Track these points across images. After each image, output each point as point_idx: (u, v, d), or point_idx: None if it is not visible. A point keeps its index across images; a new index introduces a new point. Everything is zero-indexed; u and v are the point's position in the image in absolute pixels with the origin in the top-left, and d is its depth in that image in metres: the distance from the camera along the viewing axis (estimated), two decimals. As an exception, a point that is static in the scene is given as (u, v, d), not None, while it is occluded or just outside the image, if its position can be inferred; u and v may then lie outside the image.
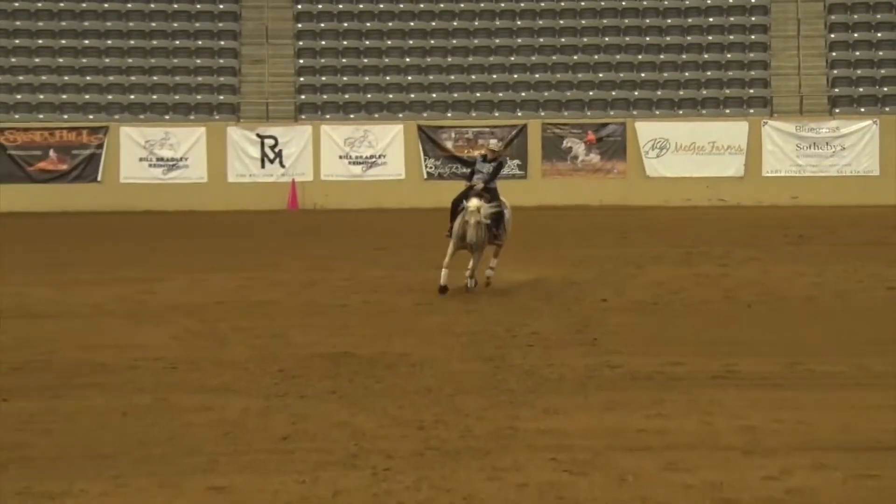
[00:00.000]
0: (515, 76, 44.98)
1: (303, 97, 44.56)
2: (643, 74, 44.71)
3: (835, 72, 43.49)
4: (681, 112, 43.23)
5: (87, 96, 44.10)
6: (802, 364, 17.95)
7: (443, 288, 23.34)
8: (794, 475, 12.79)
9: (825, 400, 15.95)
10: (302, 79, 45.21)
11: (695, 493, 12.23)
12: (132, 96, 44.33)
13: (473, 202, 22.57)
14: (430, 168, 42.61)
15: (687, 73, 44.43)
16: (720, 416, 15.13)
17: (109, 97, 44.26)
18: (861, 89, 42.83)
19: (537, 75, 44.89)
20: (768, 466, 13.05)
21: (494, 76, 45.04)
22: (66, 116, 43.64)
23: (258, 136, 42.97)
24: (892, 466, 12.97)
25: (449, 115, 43.77)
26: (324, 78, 45.21)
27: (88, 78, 44.71)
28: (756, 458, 13.37)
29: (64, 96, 44.38)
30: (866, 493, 12.14)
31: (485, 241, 23.40)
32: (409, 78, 45.10)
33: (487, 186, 23.38)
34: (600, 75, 44.78)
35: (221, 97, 44.55)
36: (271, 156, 42.80)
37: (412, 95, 44.63)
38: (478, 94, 44.65)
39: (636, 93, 44.22)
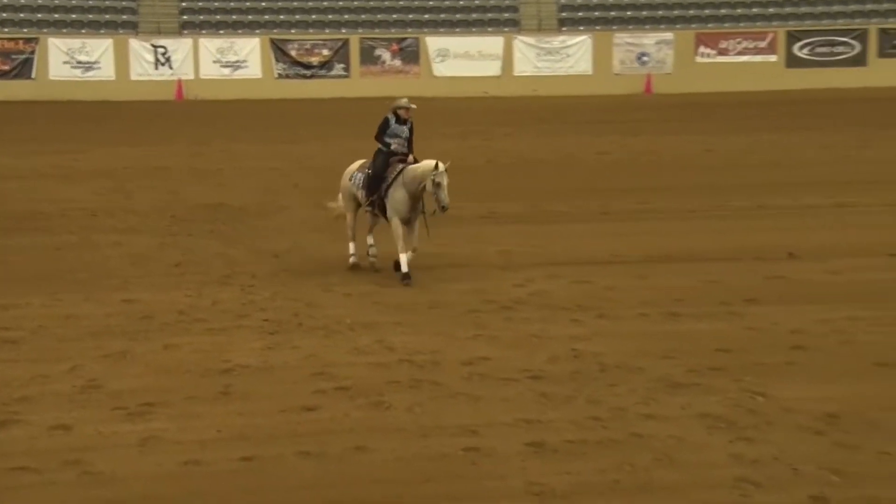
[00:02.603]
0: (340, 3, 44.20)
1: (185, 17, 43.24)
2: (430, 2, 44.33)
3: (562, 1, 43.63)
4: (457, 29, 43.00)
5: (21, 14, 42.35)
6: (540, 206, 18.27)
7: (354, 265, 13.90)
8: (535, 282, 13.08)
9: (556, 231, 16.28)
10: (184, 3, 43.77)
11: (467, 295, 12.45)
12: (56, 15, 42.61)
13: (441, 164, 12.90)
14: (280, 70, 41.99)
15: (461, 2, 44.17)
16: (485, 244, 15.35)
17: (39, 15, 42.50)
18: (580, 13, 43.08)
19: (356, 3, 44.21)
20: (517, 277, 13.33)
21: (325, 3, 44.20)
22: (6, 30, 41.82)
23: (152, 45, 41.82)
24: (601, 275, 13.34)
25: (293, 31, 42.87)
26: (200, 3, 43.88)
27: (23, 1, 42.84)
28: (509, 272, 13.64)
29: (4, 14, 42.41)
30: (581, 293, 12.50)
31: None
32: (264, 4, 44.01)
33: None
34: (400, 2, 44.26)
35: (125, 16, 43.01)
36: (162, 60, 41.67)
37: (266, 16, 43.62)
38: (313, 16, 43.76)
39: (426, 16, 43.83)
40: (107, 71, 41.54)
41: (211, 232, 16.52)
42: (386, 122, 13.50)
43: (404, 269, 12.96)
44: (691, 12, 42.55)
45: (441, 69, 42.25)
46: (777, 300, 12.04)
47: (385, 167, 13.39)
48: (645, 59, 41.35)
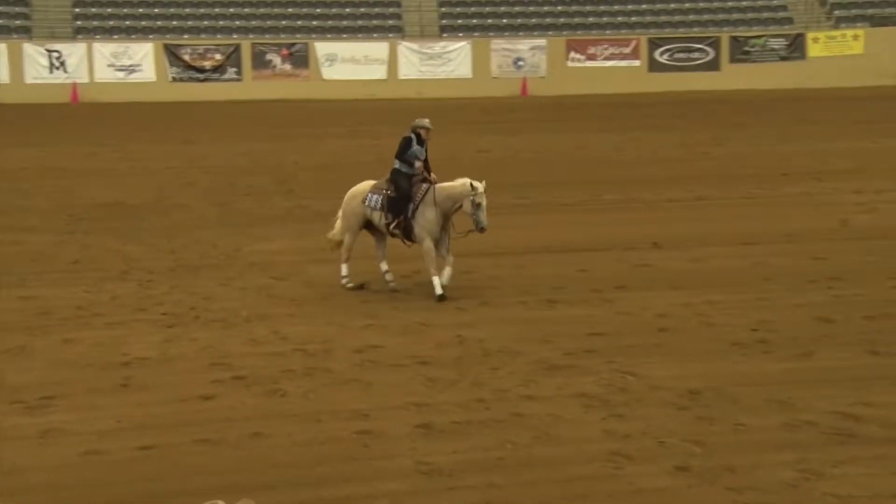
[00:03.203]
0: (231, 10, 43.48)
1: (79, 23, 41.94)
2: (318, 10, 43.92)
3: (443, 9, 43.69)
4: (344, 35, 42.69)
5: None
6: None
7: (354, 287, 12.39)
8: (423, 274, 13.02)
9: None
10: (77, 9, 42.45)
11: (335, 286, 12.36)
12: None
13: (479, 184, 11.69)
14: (174, 74, 41.06)
15: (348, 10, 43.83)
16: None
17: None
18: (460, 21, 43.20)
19: (247, 10, 43.52)
20: (406, 269, 13.25)
21: (217, 10, 43.41)
22: None
23: (46, 50, 40.50)
24: (483, 265, 13.37)
25: (185, 36, 41.98)
26: (94, 9, 42.61)
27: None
28: (399, 265, 13.57)
29: None
30: (465, 282, 12.54)
31: None
32: (157, 10, 42.99)
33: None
34: (289, 10, 43.74)
35: (18, 21, 41.53)
36: (57, 64, 40.42)
37: (159, 22, 42.59)
38: (205, 22, 42.95)
39: (314, 22, 43.39)
40: (1, 74, 40.15)
41: (108, 230, 16.10)
42: (408, 143, 12.09)
43: (438, 291, 11.71)
44: (562, 20, 43.11)
45: (329, 73, 41.93)
46: (644, 287, 12.27)
47: (410, 187, 12.01)
48: (520, 63, 41.73)
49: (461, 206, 11.82)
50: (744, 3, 42.92)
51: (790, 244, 14.26)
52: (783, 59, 40.12)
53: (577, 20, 43.02)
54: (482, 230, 11.86)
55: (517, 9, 43.52)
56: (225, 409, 8.46)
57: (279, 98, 39.64)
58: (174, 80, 41.22)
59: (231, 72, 41.55)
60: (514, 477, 7.21)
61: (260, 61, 41.85)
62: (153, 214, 17.42)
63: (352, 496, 7.01)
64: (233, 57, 41.71)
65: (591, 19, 43.03)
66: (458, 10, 43.82)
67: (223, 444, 7.78)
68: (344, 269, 12.41)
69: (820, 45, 39.95)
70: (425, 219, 11.89)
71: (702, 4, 43.17)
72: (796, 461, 7.32)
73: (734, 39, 40.88)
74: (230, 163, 23.49)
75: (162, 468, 7.41)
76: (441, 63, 42.10)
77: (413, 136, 12.15)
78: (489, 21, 43.29)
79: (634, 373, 9.23)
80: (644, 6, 43.23)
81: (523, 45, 41.93)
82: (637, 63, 41.39)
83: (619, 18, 42.90)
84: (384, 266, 12.32)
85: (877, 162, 20.90)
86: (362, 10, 44.08)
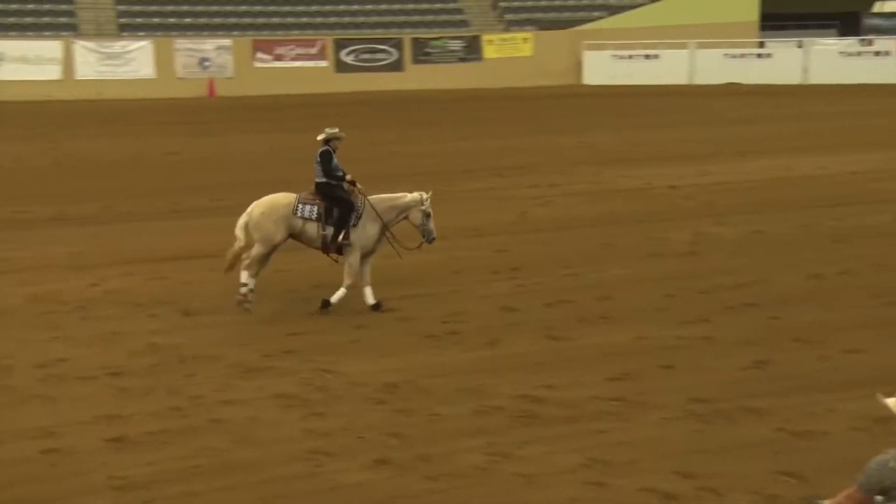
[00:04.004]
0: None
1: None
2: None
3: (120, 7, 41.96)
4: (12, 33, 40.05)
5: None
6: (111, 206, 17.55)
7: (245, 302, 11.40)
8: (109, 281, 12.56)
9: (128, 230, 15.68)
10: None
11: (38, 299, 11.66)
12: None
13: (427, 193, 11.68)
14: None
15: (14, 6, 41.11)
16: (56, 246, 14.50)
17: None
18: (140, 20, 41.69)
19: None
20: (91, 277, 12.74)
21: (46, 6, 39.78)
22: None
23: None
24: (178, 270, 13.04)
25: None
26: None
27: None
28: (82, 273, 12.99)
29: None
30: (158, 289, 12.17)
31: None
32: None
33: None
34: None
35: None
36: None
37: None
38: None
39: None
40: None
41: None
42: (330, 155, 11.49)
43: (372, 300, 11.30)
44: (247, 20, 42.66)
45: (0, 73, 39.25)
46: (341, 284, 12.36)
47: (350, 198, 11.44)
48: (207, 63, 40.90)
49: (406, 217, 11.48)
50: (423, 6, 44.30)
51: (476, 238, 14.87)
52: (462, 60, 41.78)
53: (261, 20, 42.73)
54: (432, 241, 11.57)
55: (200, 8, 42.62)
56: None
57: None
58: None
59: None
60: (212, 483, 7.07)
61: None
62: None
63: (41, 520, 6.60)
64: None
65: (276, 20, 42.88)
66: (138, 8, 42.30)
67: None
68: (246, 278, 11.29)
69: (494, 47, 41.96)
70: (366, 232, 11.42)
71: (383, 6, 44.14)
72: (486, 445, 7.66)
73: (416, 41, 42.11)
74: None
75: None
76: (122, 63, 40.50)
77: (329, 147, 11.55)
78: (171, 20, 42.12)
79: (333, 370, 9.30)
80: (328, 7, 43.64)
81: (209, 45, 41.13)
82: (324, 63, 41.70)
83: (304, 19, 43.04)
84: (249, 278, 11.33)
85: (550, 158, 22.25)
86: (31, 6, 41.53)
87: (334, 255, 11.66)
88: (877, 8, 40.32)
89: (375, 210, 11.43)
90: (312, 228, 11.47)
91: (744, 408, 8.30)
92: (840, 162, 20.16)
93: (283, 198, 11.63)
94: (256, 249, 11.41)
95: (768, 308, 11.06)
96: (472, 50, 41.90)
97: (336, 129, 11.73)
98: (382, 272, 12.98)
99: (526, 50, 41.87)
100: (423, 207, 11.51)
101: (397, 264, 13.44)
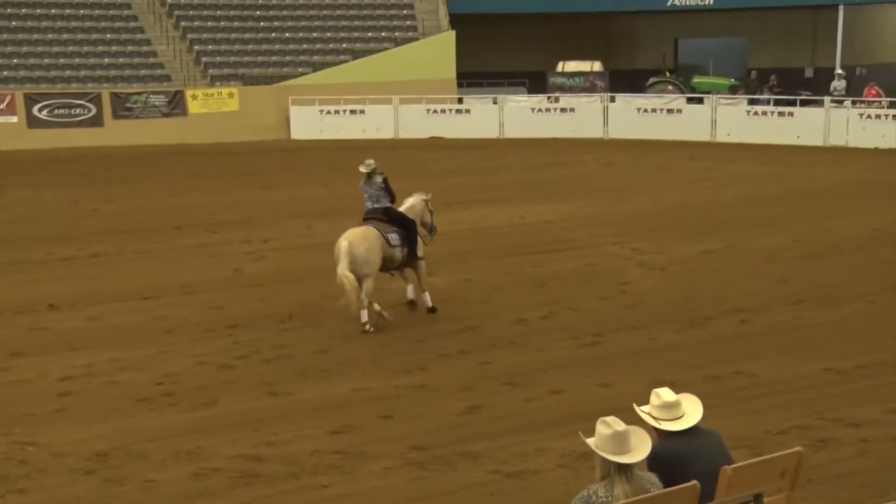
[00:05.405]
0: None
1: None
2: None
3: None
4: None
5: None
6: None
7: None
8: None
9: None
10: None
11: None
12: None
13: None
14: None
15: None
16: None
17: None
18: None
19: None
20: None
21: None
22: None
23: None
24: None
25: None
26: None
27: None
28: None
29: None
30: None
31: None
32: None
33: None
34: None
35: None
36: None
37: None
38: None
39: None
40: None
41: None
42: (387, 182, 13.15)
43: (431, 303, 13.01)
44: (-72, 72, 39.73)
45: None
46: (42, 350, 11.68)
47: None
48: None
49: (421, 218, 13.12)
50: (121, 61, 43.03)
51: (188, 295, 14.48)
52: (165, 115, 40.77)
53: (-55, 73, 39.92)
54: (434, 232, 13.36)
55: None
56: None
57: None
58: None
59: None
60: None
61: None
62: None
63: None
64: None
65: (-40, 73, 40.20)
66: None
67: None
68: (365, 316, 12.26)
69: (199, 101, 41.33)
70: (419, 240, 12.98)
71: (78, 61, 42.51)
72: (206, 510, 7.43)
73: (115, 96, 40.69)
74: None
75: None
76: None
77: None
78: None
79: (35, 442, 8.72)
80: (16, 61, 41.53)
81: None
82: (14, 119, 39.43)
83: (-8, 72, 40.62)
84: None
85: (261, 212, 22.09)
86: None
87: (394, 272, 13.01)
88: (559, 67, 43.16)
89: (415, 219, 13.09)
90: (399, 253, 12.71)
91: (460, 452, 8.54)
92: (536, 211, 21.31)
93: (369, 231, 12.50)
94: (368, 284, 12.27)
95: (480, 353, 11.48)
96: (177, 105, 41.06)
97: (371, 161, 13.20)
98: (87, 335, 12.38)
99: (232, 105, 41.51)
100: (429, 205, 13.34)
101: (102, 326, 12.87)
